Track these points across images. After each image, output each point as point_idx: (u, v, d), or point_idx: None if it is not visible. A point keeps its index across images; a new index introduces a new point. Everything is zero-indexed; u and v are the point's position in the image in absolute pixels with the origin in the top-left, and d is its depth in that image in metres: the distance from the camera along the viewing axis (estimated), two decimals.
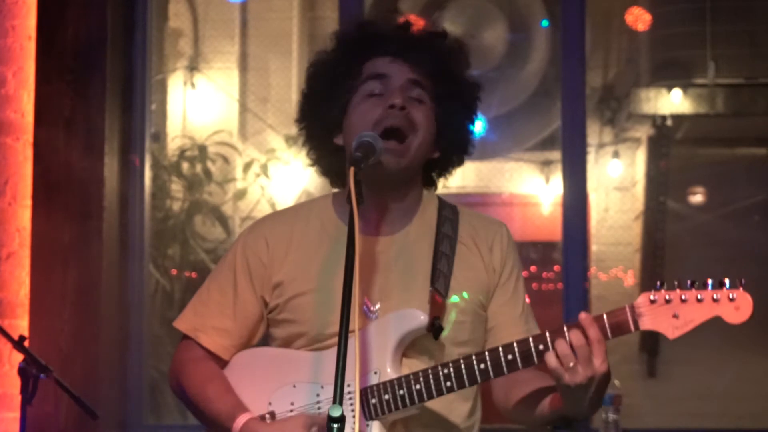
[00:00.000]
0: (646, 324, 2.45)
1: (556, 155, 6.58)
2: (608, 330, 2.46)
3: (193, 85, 6.82)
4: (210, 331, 2.84)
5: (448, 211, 2.86)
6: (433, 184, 2.92)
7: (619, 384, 4.98)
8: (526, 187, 7.71)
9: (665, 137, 7.38)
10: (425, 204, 2.86)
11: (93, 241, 4.98)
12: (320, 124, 2.85)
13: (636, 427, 5.20)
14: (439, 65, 2.79)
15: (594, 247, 7.34)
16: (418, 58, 2.77)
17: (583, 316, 2.47)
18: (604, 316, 2.47)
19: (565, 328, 2.47)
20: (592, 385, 2.46)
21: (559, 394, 2.54)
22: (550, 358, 2.45)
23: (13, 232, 4.98)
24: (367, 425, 2.58)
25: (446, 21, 6.45)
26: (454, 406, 2.73)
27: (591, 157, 6.74)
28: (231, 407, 2.70)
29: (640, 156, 7.62)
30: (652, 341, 7.19)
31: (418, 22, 2.89)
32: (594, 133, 7.32)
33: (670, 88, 7.14)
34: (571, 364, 2.43)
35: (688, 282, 2.44)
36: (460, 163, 2.90)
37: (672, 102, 7.16)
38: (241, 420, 2.63)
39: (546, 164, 7.59)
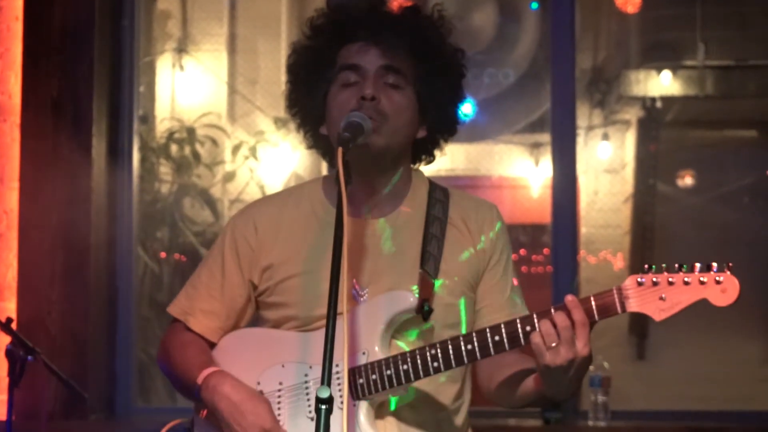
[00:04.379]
0: (633, 306, 2.45)
1: (545, 138, 6.57)
2: (595, 312, 2.46)
3: (181, 67, 6.79)
4: (198, 314, 2.85)
5: (439, 193, 2.85)
6: (427, 160, 2.91)
7: (608, 366, 5.01)
8: (515, 169, 7.70)
9: (655, 120, 7.37)
10: (415, 186, 2.85)
11: (81, 223, 4.97)
12: (305, 115, 2.85)
13: (625, 409, 5.22)
14: (413, 44, 2.75)
15: (583, 230, 7.33)
16: (389, 42, 2.72)
17: (569, 298, 2.47)
18: (591, 298, 2.48)
19: (552, 310, 2.48)
20: (572, 367, 2.46)
21: (539, 374, 2.54)
22: (535, 336, 2.46)
23: (0, 214, 4.97)
24: (355, 405, 2.59)
25: (435, 3, 6.43)
26: (443, 388, 2.74)
27: (580, 140, 6.71)
28: (201, 362, 2.72)
29: (630, 138, 7.61)
30: (641, 324, 7.20)
31: (392, 2, 2.85)
32: (583, 116, 7.30)
33: (659, 70, 7.13)
34: (554, 344, 2.43)
35: (676, 265, 2.45)
36: (450, 135, 2.88)
37: (662, 84, 7.15)
38: (206, 371, 2.65)
39: (535, 147, 7.58)
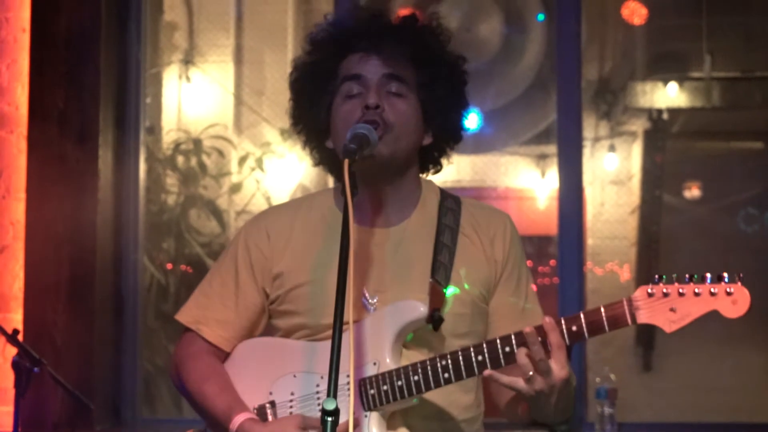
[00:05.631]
0: (643, 317, 2.42)
1: (551, 149, 6.57)
2: (605, 323, 2.44)
3: (188, 78, 6.80)
4: (212, 324, 2.83)
5: (450, 202, 2.84)
6: (435, 169, 2.90)
7: (614, 378, 5.00)
8: (521, 181, 7.71)
9: (661, 131, 7.37)
10: (426, 195, 2.85)
11: (87, 234, 4.97)
12: (310, 130, 2.85)
13: (631, 420, 5.21)
14: (414, 52, 2.76)
15: (590, 241, 7.33)
16: (390, 51, 2.73)
17: (546, 320, 2.46)
18: (602, 309, 2.45)
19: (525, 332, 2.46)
20: (553, 392, 2.46)
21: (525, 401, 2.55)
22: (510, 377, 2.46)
23: (7, 225, 4.97)
24: (366, 416, 2.58)
25: (441, 14, 6.44)
26: (455, 398, 2.72)
27: (587, 151, 6.72)
28: (227, 407, 2.69)
29: (636, 150, 7.61)
30: (647, 335, 7.19)
31: (391, 12, 2.86)
32: (590, 127, 7.31)
33: (666, 81, 7.13)
34: (531, 373, 2.43)
35: (687, 276, 2.41)
36: (456, 141, 2.87)
37: (668, 95, 7.15)
38: (237, 420, 2.63)
39: (542, 158, 7.58)
